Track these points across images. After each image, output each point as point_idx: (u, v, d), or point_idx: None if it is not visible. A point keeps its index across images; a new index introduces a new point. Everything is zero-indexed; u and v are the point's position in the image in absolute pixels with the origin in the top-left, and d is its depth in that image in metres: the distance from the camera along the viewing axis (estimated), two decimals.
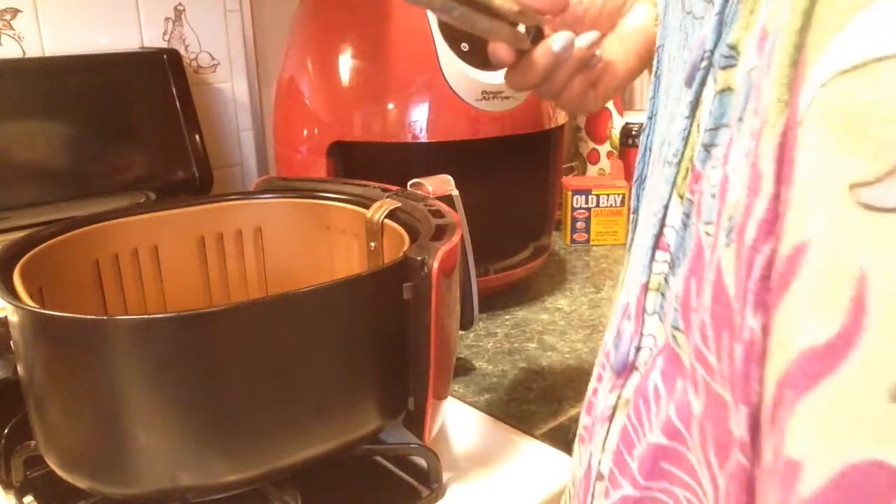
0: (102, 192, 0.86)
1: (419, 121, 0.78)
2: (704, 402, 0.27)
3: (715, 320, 0.25)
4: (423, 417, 0.54)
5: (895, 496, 0.18)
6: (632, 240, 0.39)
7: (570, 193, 1.13)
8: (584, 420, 0.37)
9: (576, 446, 0.38)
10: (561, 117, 0.89)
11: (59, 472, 0.50)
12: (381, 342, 0.52)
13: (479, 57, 0.79)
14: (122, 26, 0.93)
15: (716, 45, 0.27)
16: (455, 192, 0.68)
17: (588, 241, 1.15)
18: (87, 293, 0.62)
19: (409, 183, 0.67)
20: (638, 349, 0.31)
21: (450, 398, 0.67)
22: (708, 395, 0.26)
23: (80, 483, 0.49)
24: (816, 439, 0.20)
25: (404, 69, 0.79)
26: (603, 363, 0.35)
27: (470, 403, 0.69)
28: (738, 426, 0.23)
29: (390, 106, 0.79)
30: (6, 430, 0.59)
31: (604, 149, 1.30)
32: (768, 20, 0.23)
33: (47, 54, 0.88)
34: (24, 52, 0.87)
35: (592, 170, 1.32)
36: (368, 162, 0.82)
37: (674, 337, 0.29)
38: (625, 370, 0.32)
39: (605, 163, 1.30)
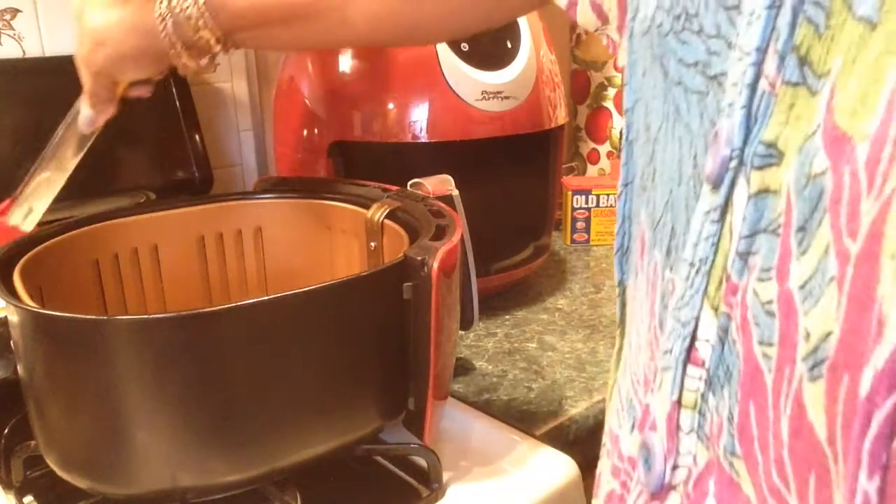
0: (102, 193, 0.86)
1: (419, 121, 0.78)
2: None
3: (796, 460, 0.23)
4: (423, 417, 0.54)
5: None
6: (622, 315, 0.37)
7: (570, 193, 1.13)
8: None
9: None
10: (561, 117, 0.89)
11: (59, 472, 0.50)
12: (381, 342, 0.52)
13: (479, 57, 0.79)
14: None
15: (745, 142, 0.25)
16: (455, 192, 0.68)
17: (588, 241, 1.15)
18: (87, 293, 0.62)
19: (409, 183, 0.67)
20: (674, 468, 0.30)
21: (450, 398, 0.67)
22: None
23: (80, 483, 0.49)
24: None
25: (404, 69, 0.79)
26: (626, 470, 0.33)
27: (470, 403, 0.69)
28: None
29: (390, 106, 0.78)
30: (6, 430, 0.59)
31: (604, 149, 1.30)
32: (841, 119, 0.21)
33: (47, 54, 0.88)
34: (24, 52, 0.87)
35: (592, 170, 1.32)
36: (368, 162, 0.82)
37: (731, 464, 0.27)
38: (662, 490, 0.30)
39: (605, 163, 1.31)
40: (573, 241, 1.15)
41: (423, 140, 0.78)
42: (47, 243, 0.58)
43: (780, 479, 0.24)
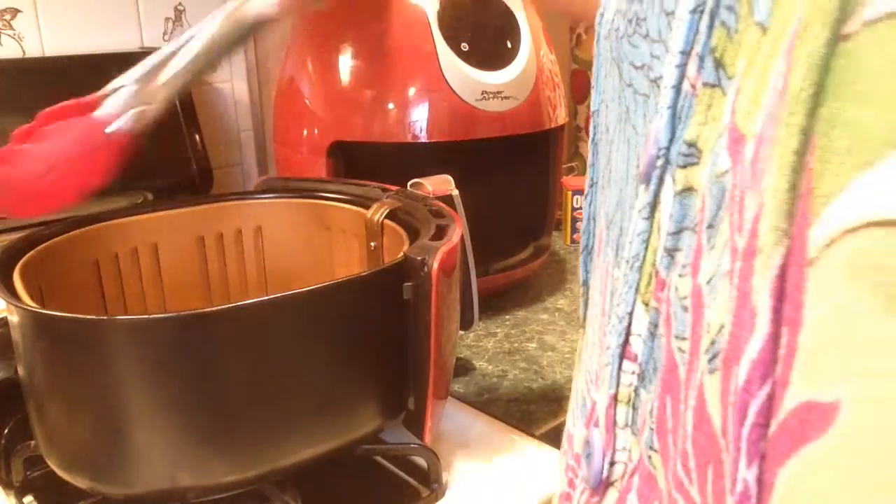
0: (102, 192, 0.86)
1: (419, 121, 0.78)
2: None
3: (698, 451, 0.23)
4: (423, 417, 0.54)
5: None
6: (585, 314, 0.37)
7: (570, 193, 1.13)
8: None
9: None
10: (561, 117, 0.89)
11: (60, 472, 0.50)
12: (381, 342, 0.52)
13: (479, 57, 0.79)
14: (122, 26, 0.93)
15: (670, 141, 0.25)
16: (455, 192, 0.68)
17: None
18: (87, 293, 0.62)
19: (409, 183, 0.67)
20: (612, 463, 0.30)
21: (450, 398, 0.67)
22: None
23: (80, 483, 0.49)
24: None
25: (404, 69, 0.79)
26: (573, 467, 0.33)
27: (470, 403, 0.69)
28: None
29: (390, 106, 0.78)
30: (6, 430, 0.59)
31: None
32: (741, 121, 0.21)
33: (47, 54, 0.88)
34: (24, 52, 0.87)
35: None
36: (368, 162, 0.82)
37: (649, 457, 0.27)
38: (601, 486, 0.30)
39: None
40: (573, 241, 1.15)
41: (423, 140, 0.78)
42: (47, 243, 0.58)
43: (684, 471, 0.24)
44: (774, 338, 0.19)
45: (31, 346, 0.48)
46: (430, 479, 0.56)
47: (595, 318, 0.34)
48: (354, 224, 0.66)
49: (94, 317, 0.50)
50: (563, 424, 0.65)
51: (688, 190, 0.24)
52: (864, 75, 0.17)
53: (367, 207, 0.64)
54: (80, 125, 0.49)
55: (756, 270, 0.20)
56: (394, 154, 0.81)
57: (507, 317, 0.87)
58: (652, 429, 0.26)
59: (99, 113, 0.51)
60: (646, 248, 0.27)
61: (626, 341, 0.28)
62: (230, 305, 0.50)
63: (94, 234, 0.62)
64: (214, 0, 1.02)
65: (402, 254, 0.51)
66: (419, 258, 0.50)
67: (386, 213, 0.62)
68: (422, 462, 0.58)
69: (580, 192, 1.13)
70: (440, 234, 0.55)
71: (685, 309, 0.24)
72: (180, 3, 0.97)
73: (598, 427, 0.30)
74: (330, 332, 0.49)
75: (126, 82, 0.52)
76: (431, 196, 0.64)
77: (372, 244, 0.64)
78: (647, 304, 0.27)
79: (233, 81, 1.05)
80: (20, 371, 0.50)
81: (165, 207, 0.67)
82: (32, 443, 0.53)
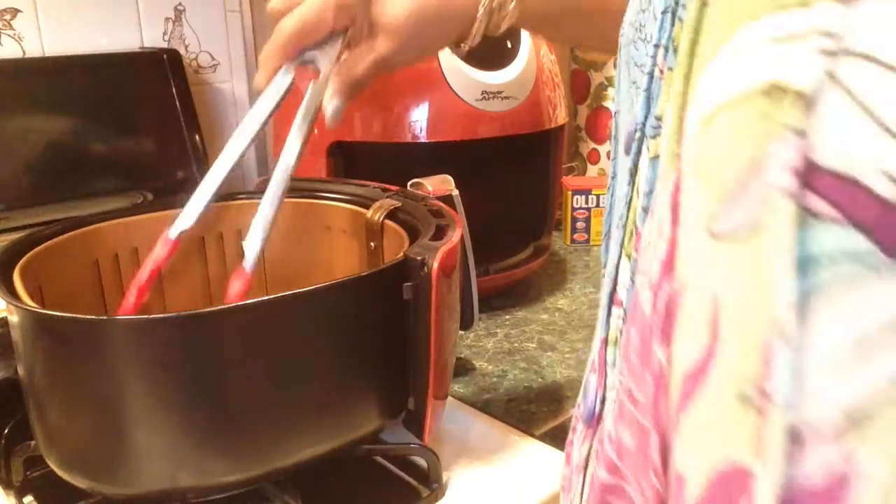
0: (102, 192, 0.86)
1: (419, 121, 0.78)
2: (635, 437, 0.28)
3: (641, 359, 0.27)
4: (423, 417, 0.54)
5: (745, 487, 0.19)
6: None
7: (570, 193, 1.13)
8: (564, 471, 0.38)
9: (561, 496, 0.39)
10: (561, 117, 0.89)
11: (59, 472, 0.50)
12: (381, 342, 0.52)
13: (479, 57, 0.79)
14: (122, 26, 0.93)
15: (646, 118, 0.30)
16: (455, 192, 0.68)
17: (588, 241, 1.15)
18: (87, 293, 0.62)
19: (409, 183, 0.67)
20: (603, 401, 0.33)
21: (450, 398, 0.67)
22: (638, 430, 0.28)
23: (80, 483, 0.49)
24: (693, 452, 0.22)
25: (404, 69, 0.78)
26: (576, 414, 0.37)
27: (470, 403, 0.69)
28: (654, 452, 0.25)
29: (390, 106, 0.78)
30: (6, 430, 0.59)
31: (604, 149, 1.30)
32: (673, 88, 0.26)
33: (47, 54, 0.88)
34: (24, 52, 0.87)
35: (592, 170, 1.32)
36: (368, 162, 0.82)
37: (620, 382, 0.30)
38: (593, 421, 0.33)
39: (605, 163, 1.31)
40: (573, 241, 1.15)
41: (423, 140, 0.78)
42: (47, 243, 0.58)
43: (633, 380, 0.28)
44: (673, 240, 0.23)
45: (31, 346, 0.48)
46: (430, 479, 0.56)
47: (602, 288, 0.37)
48: (354, 224, 0.66)
49: (94, 317, 0.50)
50: (563, 424, 0.66)
51: (656, 157, 0.28)
52: None
53: (367, 207, 0.64)
54: None
55: (660, 191, 0.25)
56: (394, 154, 0.81)
57: (507, 317, 0.87)
58: (622, 358, 0.30)
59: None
60: (628, 209, 0.31)
61: (613, 290, 0.32)
62: (230, 305, 0.50)
63: (94, 234, 0.62)
64: (214, 0, 1.02)
65: (402, 254, 0.51)
66: (419, 258, 0.50)
67: (386, 213, 0.62)
68: (422, 462, 0.57)
69: (580, 192, 1.13)
70: (440, 234, 0.55)
71: (646, 248, 0.28)
72: (180, 3, 0.97)
73: (594, 371, 0.34)
74: (330, 332, 0.49)
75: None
76: (431, 196, 0.64)
77: (372, 244, 0.64)
78: (629, 257, 0.31)
79: (233, 81, 1.05)
80: (20, 371, 0.50)
81: (165, 207, 0.67)
82: (32, 443, 0.53)
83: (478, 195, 0.72)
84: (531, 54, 0.82)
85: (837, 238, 0.18)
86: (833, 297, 0.18)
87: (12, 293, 0.49)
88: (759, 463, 0.19)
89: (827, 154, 0.18)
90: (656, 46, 0.29)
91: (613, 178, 0.38)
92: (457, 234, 0.54)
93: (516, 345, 0.80)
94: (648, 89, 0.29)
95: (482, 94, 0.78)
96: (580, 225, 1.14)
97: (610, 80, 1.27)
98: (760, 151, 0.19)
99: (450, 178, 0.69)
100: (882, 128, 0.17)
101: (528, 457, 0.61)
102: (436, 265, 0.49)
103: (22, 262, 0.54)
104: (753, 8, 0.19)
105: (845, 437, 0.18)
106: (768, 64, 0.19)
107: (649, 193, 0.29)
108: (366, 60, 0.55)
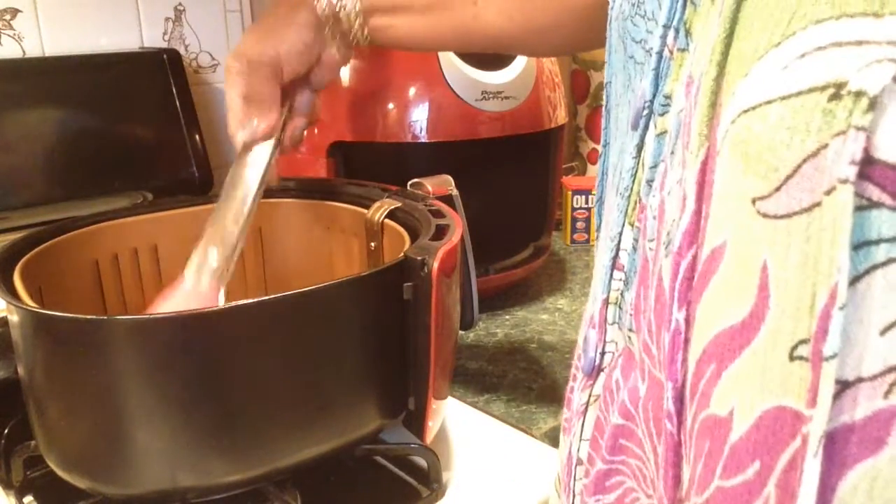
0: (102, 192, 0.86)
1: (419, 121, 0.78)
2: (647, 386, 0.32)
3: (657, 317, 0.30)
4: (423, 417, 0.54)
5: (795, 430, 0.23)
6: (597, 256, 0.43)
7: (570, 193, 1.13)
8: (564, 414, 0.41)
9: (560, 437, 0.42)
10: (561, 117, 0.89)
11: (59, 472, 0.50)
12: (382, 342, 0.52)
13: (479, 57, 0.79)
14: (122, 26, 0.93)
15: (654, 95, 0.32)
16: (455, 192, 0.68)
17: (588, 241, 1.15)
18: (87, 293, 0.62)
19: (409, 183, 0.67)
20: (603, 354, 0.37)
21: (450, 398, 0.67)
22: (651, 380, 0.32)
23: (80, 483, 0.49)
24: (738, 397, 0.25)
25: (404, 69, 0.79)
26: (576, 365, 0.40)
27: (470, 403, 0.69)
28: (667, 401, 0.28)
29: (390, 106, 0.78)
30: (6, 430, 0.59)
31: None
32: (693, 70, 0.28)
33: (47, 54, 0.88)
34: (24, 52, 0.87)
35: (592, 170, 1.32)
36: (368, 162, 0.82)
37: (629, 338, 0.34)
38: (593, 372, 0.37)
39: None
40: (573, 241, 1.15)
41: (423, 140, 0.78)
42: (47, 243, 0.58)
43: (648, 336, 0.31)
44: (698, 212, 0.26)
45: (31, 346, 0.48)
46: (430, 479, 0.56)
47: (602, 253, 0.39)
48: (354, 224, 0.66)
49: (94, 317, 0.50)
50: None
51: (663, 133, 0.31)
52: None
53: (367, 207, 0.64)
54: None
55: (688, 167, 0.27)
56: (394, 154, 0.81)
57: (507, 317, 0.87)
58: (631, 315, 0.34)
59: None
60: (633, 181, 0.34)
61: (615, 256, 0.35)
62: (230, 305, 0.50)
63: (94, 234, 0.62)
64: (214, 0, 1.02)
65: (402, 254, 0.51)
66: (419, 258, 0.50)
67: (386, 213, 0.62)
68: (422, 462, 0.57)
69: (580, 192, 1.13)
70: (440, 234, 0.55)
71: (655, 218, 0.31)
72: (180, 3, 0.97)
73: (594, 328, 0.37)
74: (330, 331, 0.49)
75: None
76: (431, 196, 0.64)
77: (372, 244, 0.64)
78: (632, 225, 0.34)
79: None
80: (20, 371, 0.50)
81: (165, 207, 0.67)
82: (32, 443, 0.53)
83: (478, 195, 0.72)
84: None
85: (891, 222, 0.20)
86: (886, 273, 0.21)
87: (12, 293, 0.49)
88: (809, 407, 0.22)
89: (887, 149, 0.20)
90: (666, 27, 0.30)
91: (606, 146, 0.40)
92: (457, 234, 0.54)
93: (516, 345, 0.80)
94: (657, 68, 0.31)
95: (482, 94, 0.78)
96: (580, 225, 1.14)
97: None
98: (819, 143, 0.21)
99: (450, 178, 0.69)
100: None
101: (528, 457, 0.61)
102: (436, 265, 0.49)
103: (22, 262, 0.54)
104: (814, 12, 0.22)
105: (889, 384, 0.21)
106: (829, 65, 0.21)
107: (654, 168, 0.31)
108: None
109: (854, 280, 0.21)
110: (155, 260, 0.67)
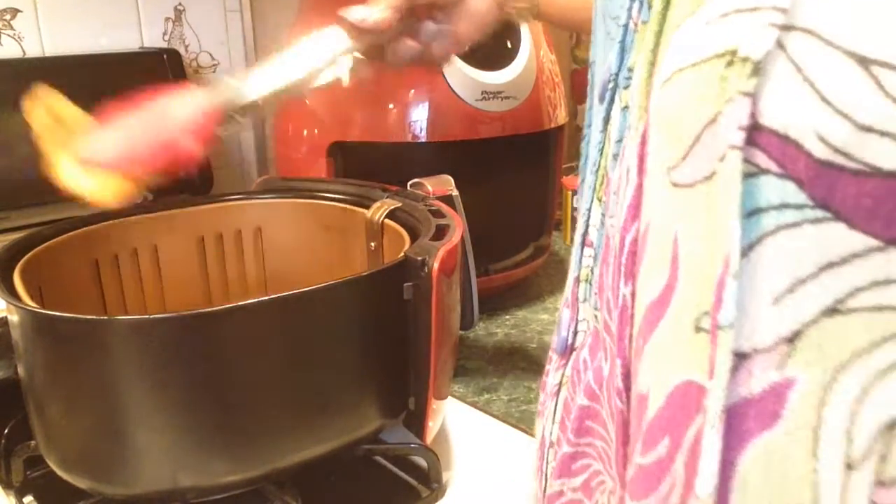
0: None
1: (419, 121, 0.78)
2: (610, 365, 0.31)
3: (613, 294, 0.30)
4: (424, 417, 0.54)
5: (699, 405, 0.22)
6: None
7: (570, 193, 1.13)
8: (541, 397, 0.41)
9: (536, 421, 0.42)
10: (561, 117, 0.89)
11: (60, 473, 0.50)
12: (382, 342, 0.52)
13: (479, 57, 0.79)
14: (122, 26, 0.93)
15: (619, 68, 0.31)
16: (455, 192, 0.68)
17: None
18: (87, 293, 0.62)
19: (409, 183, 0.67)
20: (576, 333, 0.36)
21: (450, 398, 0.67)
22: (612, 358, 0.31)
23: (81, 483, 0.49)
24: (654, 373, 0.25)
25: (404, 69, 0.78)
26: (552, 346, 0.40)
27: (470, 403, 0.69)
28: (617, 378, 0.28)
29: (390, 106, 0.78)
30: (6, 430, 0.59)
31: None
32: (651, 40, 0.28)
33: (47, 54, 0.88)
34: (24, 52, 0.87)
35: None
36: (368, 162, 0.82)
37: (595, 316, 0.34)
38: (566, 352, 0.37)
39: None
40: (573, 241, 1.15)
41: (423, 140, 0.78)
42: (47, 243, 0.58)
43: (608, 314, 0.31)
44: (640, 186, 0.26)
45: (31, 346, 0.48)
46: (430, 479, 0.56)
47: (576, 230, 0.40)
48: (354, 224, 0.66)
49: (94, 317, 0.50)
50: None
51: (626, 107, 0.30)
52: None
53: (367, 207, 0.64)
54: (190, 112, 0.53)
55: (628, 141, 0.27)
56: (394, 154, 0.81)
57: (507, 317, 0.87)
58: (595, 293, 0.33)
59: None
60: (601, 155, 0.33)
61: (585, 232, 0.35)
62: (230, 305, 0.50)
63: (94, 234, 0.62)
64: (214, 0, 1.02)
65: (402, 254, 0.51)
66: (419, 258, 0.50)
67: (386, 213, 0.62)
68: (422, 462, 0.57)
69: None
70: (440, 234, 0.55)
71: (615, 193, 0.30)
72: (180, 3, 0.97)
73: (568, 307, 0.37)
74: (330, 332, 0.49)
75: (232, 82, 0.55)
76: (431, 196, 0.64)
77: (372, 244, 0.64)
78: (600, 200, 0.33)
79: None
80: (20, 371, 0.50)
81: (165, 207, 0.67)
82: (32, 443, 0.53)
83: (478, 195, 0.72)
84: (531, 54, 0.82)
85: (778, 189, 0.20)
86: (775, 241, 0.21)
87: (12, 293, 0.49)
88: (709, 380, 0.22)
89: (771, 115, 0.20)
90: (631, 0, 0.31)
91: (589, 126, 0.40)
92: (457, 234, 0.54)
93: (516, 345, 0.80)
94: (623, 41, 0.31)
95: (482, 94, 0.78)
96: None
97: None
98: (715, 110, 0.21)
99: (450, 178, 0.69)
100: (819, 97, 0.19)
101: (528, 457, 0.61)
102: (436, 265, 0.49)
103: (22, 262, 0.54)
104: None
105: (785, 359, 0.21)
106: (728, 32, 0.21)
107: (619, 141, 0.31)
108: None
109: (747, 249, 0.21)
110: (155, 260, 0.67)
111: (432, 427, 0.56)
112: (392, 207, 0.63)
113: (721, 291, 0.21)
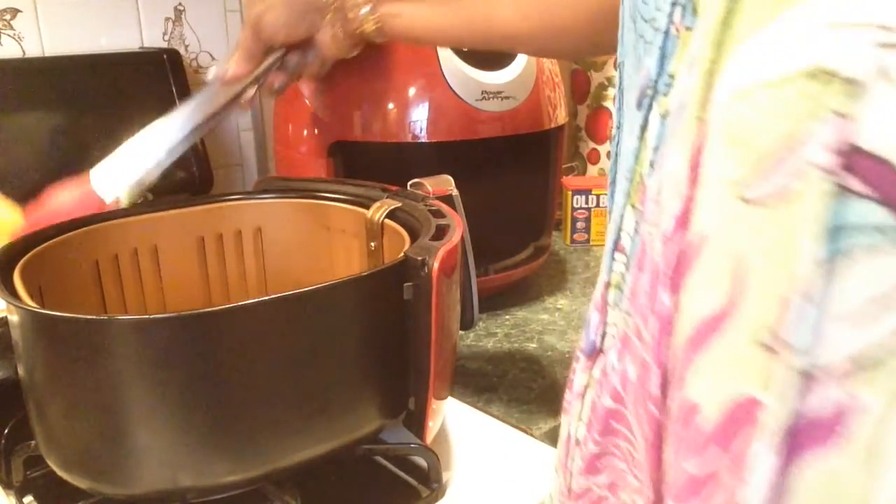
0: None
1: (419, 121, 0.78)
2: (638, 370, 0.32)
3: (650, 302, 0.30)
4: (424, 417, 0.54)
5: (754, 418, 0.23)
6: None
7: (570, 193, 1.13)
8: (567, 395, 0.42)
9: (562, 418, 0.42)
10: (561, 117, 0.89)
11: (60, 473, 0.50)
12: (382, 342, 0.52)
13: (479, 57, 0.79)
14: (122, 26, 0.93)
15: (659, 75, 0.31)
16: (455, 192, 0.68)
17: (588, 241, 1.15)
18: (87, 293, 0.62)
19: (409, 183, 0.67)
20: (604, 336, 0.37)
21: (450, 398, 0.67)
22: (641, 364, 0.32)
23: (81, 483, 0.49)
24: (709, 385, 0.25)
25: (404, 69, 0.79)
26: (580, 346, 0.41)
27: (470, 403, 0.69)
28: (654, 385, 0.29)
29: (390, 106, 0.78)
30: (6, 430, 0.59)
31: (604, 149, 1.30)
32: (695, 51, 0.27)
33: (47, 54, 0.88)
34: (24, 52, 0.87)
35: (592, 170, 1.32)
36: (368, 162, 0.82)
37: (626, 321, 0.34)
38: (593, 354, 0.37)
39: (605, 163, 1.30)
40: (573, 241, 1.15)
41: (423, 140, 0.78)
42: (47, 243, 0.58)
43: (642, 321, 0.31)
44: (690, 198, 0.26)
45: (31, 346, 0.48)
46: (430, 479, 0.56)
47: (607, 235, 0.39)
48: (354, 224, 0.66)
49: (94, 317, 0.50)
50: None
51: (666, 114, 0.30)
52: None
53: (367, 207, 0.64)
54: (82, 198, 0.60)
55: (674, 150, 0.27)
56: (394, 154, 0.81)
57: (507, 317, 0.87)
58: (628, 298, 0.34)
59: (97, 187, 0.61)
60: (636, 162, 0.33)
61: (618, 238, 0.35)
62: (230, 305, 0.50)
63: (94, 234, 0.62)
64: (214, 0, 1.02)
65: (402, 254, 0.51)
66: (419, 258, 0.50)
67: (386, 213, 0.62)
68: (422, 462, 0.57)
69: (580, 192, 1.13)
70: (440, 234, 0.55)
71: (654, 202, 0.30)
72: (180, 3, 0.97)
73: (597, 310, 0.37)
74: (330, 332, 0.49)
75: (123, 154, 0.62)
76: (431, 196, 0.64)
77: (372, 244, 0.64)
78: (634, 207, 0.33)
79: None
80: (20, 371, 0.50)
81: (165, 207, 0.67)
82: (32, 443, 0.53)
83: (478, 195, 0.72)
84: None
85: (868, 212, 0.20)
86: (857, 262, 0.21)
87: (12, 293, 0.49)
88: (769, 396, 0.22)
89: (870, 138, 0.20)
90: (673, 4, 0.30)
91: (619, 128, 0.40)
92: (457, 234, 0.54)
93: (516, 345, 0.80)
94: (663, 47, 0.30)
95: (482, 94, 0.78)
96: (580, 225, 1.14)
97: (610, 80, 1.27)
98: (801, 129, 0.21)
99: (450, 178, 0.69)
100: None
101: (528, 457, 0.61)
102: (436, 265, 0.49)
103: (22, 262, 0.54)
104: None
105: (851, 379, 0.21)
106: (820, 48, 0.20)
107: (657, 149, 0.31)
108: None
109: (823, 269, 0.21)
110: (155, 260, 0.67)
111: (432, 427, 0.56)
112: (392, 207, 0.62)
113: (793, 310, 0.21)
